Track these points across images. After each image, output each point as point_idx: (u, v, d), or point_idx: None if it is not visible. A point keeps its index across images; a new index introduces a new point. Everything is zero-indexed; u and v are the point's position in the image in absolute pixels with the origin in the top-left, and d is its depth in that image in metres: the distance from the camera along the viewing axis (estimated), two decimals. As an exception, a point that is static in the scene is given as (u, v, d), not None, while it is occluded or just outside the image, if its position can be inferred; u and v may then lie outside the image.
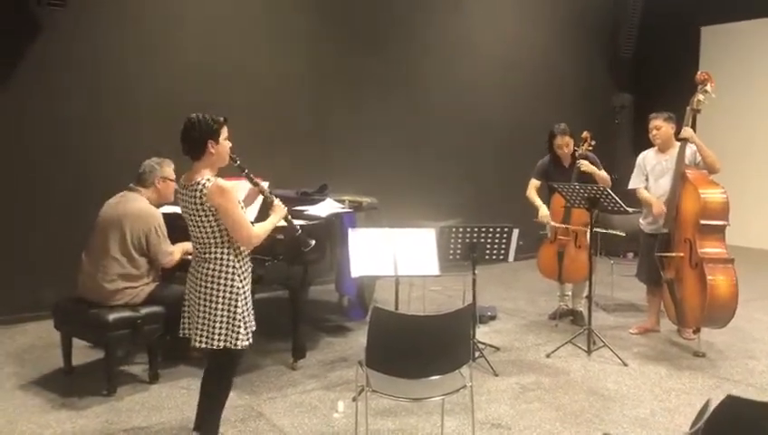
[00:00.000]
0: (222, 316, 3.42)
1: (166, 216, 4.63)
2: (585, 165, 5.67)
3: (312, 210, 5.29)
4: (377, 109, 7.77)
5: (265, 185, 3.85)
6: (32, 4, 5.67)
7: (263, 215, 3.80)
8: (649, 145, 5.62)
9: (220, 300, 3.42)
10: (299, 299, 4.81)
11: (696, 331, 5.30)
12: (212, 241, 3.42)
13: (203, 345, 3.46)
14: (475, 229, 4.85)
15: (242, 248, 3.48)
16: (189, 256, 4.48)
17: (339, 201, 5.61)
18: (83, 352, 4.92)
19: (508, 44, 8.87)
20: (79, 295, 4.55)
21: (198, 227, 3.42)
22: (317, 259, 4.92)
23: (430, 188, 7.87)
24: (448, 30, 8.35)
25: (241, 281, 3.47)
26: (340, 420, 4.10)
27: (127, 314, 4.40)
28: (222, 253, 3.42)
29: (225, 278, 3.42)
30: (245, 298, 3.51)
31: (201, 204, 3.35)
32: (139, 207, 4.48)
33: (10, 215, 5.83)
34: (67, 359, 4.71)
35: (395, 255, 4.47)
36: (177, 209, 5.23)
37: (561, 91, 9.16)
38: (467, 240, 4.85)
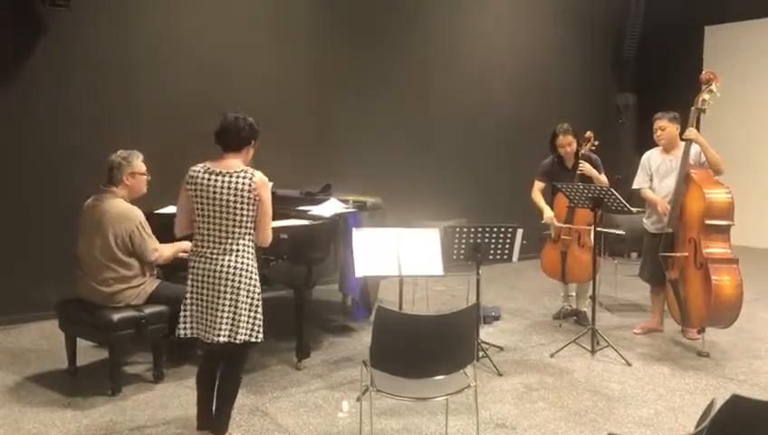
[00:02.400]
0: (247, 309, 3.47)
1: (166, 216, 4.59)
2: (587, 168, 5.67)
3: (316, 210, 5.30)
4: (381, 108, 7.78)
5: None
6: (36, 4, 5.70)
7: None
8: (653, 145, 5.62)
9: (243, 293, 3.46)
10: (303, 299, 4.82)
11: (701, 331, 5.30)
12: (238, 231, 3.45)
13: (225, 340, 3.45)
14: (479, 229, 4.85)
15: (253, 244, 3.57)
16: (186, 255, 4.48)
17: (343, 201, 5.61)
18: (88, 352, 4.93)
19: (513, 45, 8.87)
20: (80, 297, 4.56)
21: (230, 214, 3.44)
22: (321, 259, 4.92)
23: (434, 188, 7.88)
24: (454, 30, 8.36)
25: (257, 272, 3.55)
26: (344, 420, 4.10)
27: (131, 313, 4.40)
28: (245, 245, 3.48)
29: (249, 270, 3.48)
30: (260, 292, 3.57)
31: (248, 191, 3.42)
32: (119, 210, 4.39)
33: (13, 214, 5.86)
34: (72, 359, 4.71)
35: (399, 255, 4.47)
36: (174, 210, 5.23)
37: (565, 91, 9.16)
38: (471, 240, 4.85)
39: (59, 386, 4.51)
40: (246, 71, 6.93)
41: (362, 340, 5.46)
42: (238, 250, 3.46)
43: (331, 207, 5.37)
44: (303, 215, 5.20)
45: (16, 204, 5.87)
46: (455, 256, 4.88)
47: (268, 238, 3.59)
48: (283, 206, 5.17)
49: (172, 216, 4.74)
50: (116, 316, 4.34)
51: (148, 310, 4.46)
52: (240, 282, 3.46)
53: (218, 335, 3.45)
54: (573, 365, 5.02)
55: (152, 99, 6.39)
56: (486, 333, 5.64)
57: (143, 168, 4.53)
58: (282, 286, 5.35)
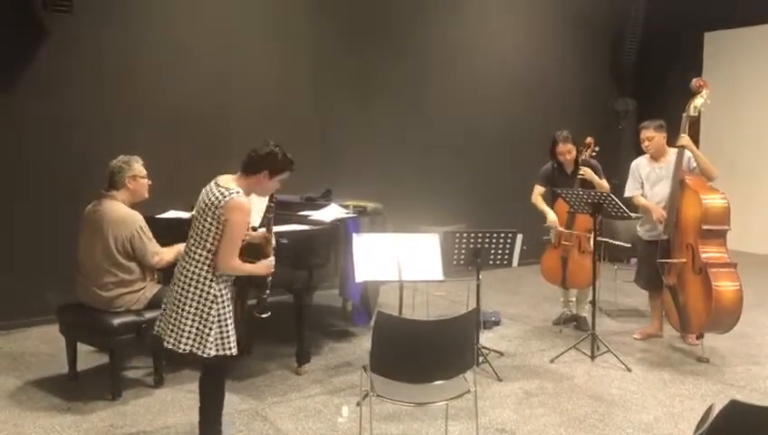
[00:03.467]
0: (191, 319, 3.42)
1: (166, 221, 4.60)
2: (588, 173, 5.68)
3: (316, 215, 5.32)
4: (382, 113, 7.79)
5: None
6: (37, 8, 5.71)
7: (254, 252, 3.76)
8: (652, 150, 5.63)
9: (189, 300, 3.43)
10: (303, 304, 4.82)
11: (700, 336, 5.30)
12: (200, 242, 3.45)
13: (170, 346, 3.47)
14: (479, 235, 4.86)
15: None
16: None
17: (343, 206, 5.63)
18: (88, 357, 4.94)
19: (513, 50, 8.88)
20: (80, 302, 4.56)
21: (201, 223, 3.46)
22: (322, 264, 4.93)
23: (434, 192, 7.88)
24: (453, 35, 8.37)
25: (218, 286, 3.46)
26: (344, 425, 4.10)
27: (131, 318, 4.41)
28: (207, 257, 3.44)
29: (203, 282, 3.43)
30: (224, 305, 3.48)
31: (216, 208, 3.39)
32: (119, 214, 4.40)
33: (14, 218, 5.86)
34: (72, 363, 4.71)
35: (399, 260, 4.48)
36: (174, 215, 5.25)
37: (564, 97, 9.17)
38: (471, 245, 4.86)
39: (59, 391, 4.52)
40: (246, 75, 6.94)
41: (362, 345, 5.47)
42: (198, 260, 3.43)
43: (331, 213, 5.38)
44: (304, 220, 5.22)
45: (18, 208, 5.88)
46: (455, 262, 4.89)
47: (225, 265, 3.42)
48: (283, 211, 5.18)
49: (173, 220, 4.75)
50: (116, 321, 4.35)
51: (149, 315, 4.44)
52: (188, 289, 3.42)
53: (165, 339, 3.49)
54: (573, 371, 5.02)
55: (153, 103, 6.40)
56: (486, 339, 5.64)
57: (144, 171, 4.54)
58: (282, 291, 5.37)
